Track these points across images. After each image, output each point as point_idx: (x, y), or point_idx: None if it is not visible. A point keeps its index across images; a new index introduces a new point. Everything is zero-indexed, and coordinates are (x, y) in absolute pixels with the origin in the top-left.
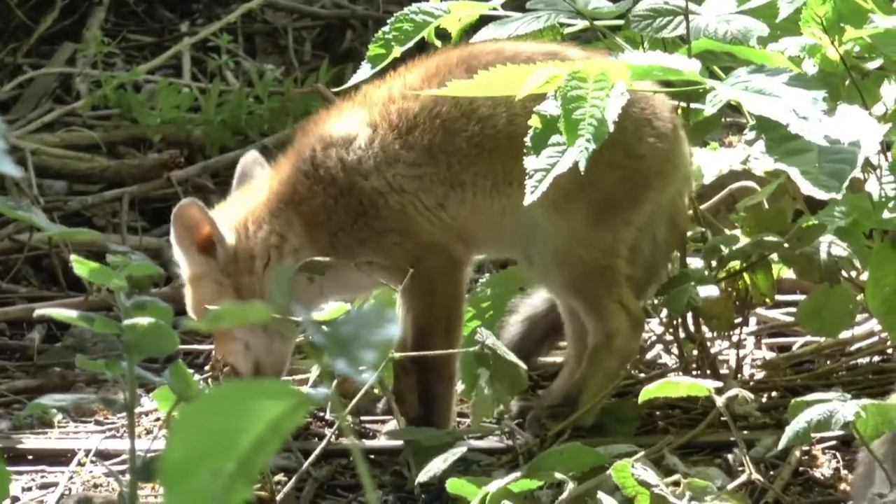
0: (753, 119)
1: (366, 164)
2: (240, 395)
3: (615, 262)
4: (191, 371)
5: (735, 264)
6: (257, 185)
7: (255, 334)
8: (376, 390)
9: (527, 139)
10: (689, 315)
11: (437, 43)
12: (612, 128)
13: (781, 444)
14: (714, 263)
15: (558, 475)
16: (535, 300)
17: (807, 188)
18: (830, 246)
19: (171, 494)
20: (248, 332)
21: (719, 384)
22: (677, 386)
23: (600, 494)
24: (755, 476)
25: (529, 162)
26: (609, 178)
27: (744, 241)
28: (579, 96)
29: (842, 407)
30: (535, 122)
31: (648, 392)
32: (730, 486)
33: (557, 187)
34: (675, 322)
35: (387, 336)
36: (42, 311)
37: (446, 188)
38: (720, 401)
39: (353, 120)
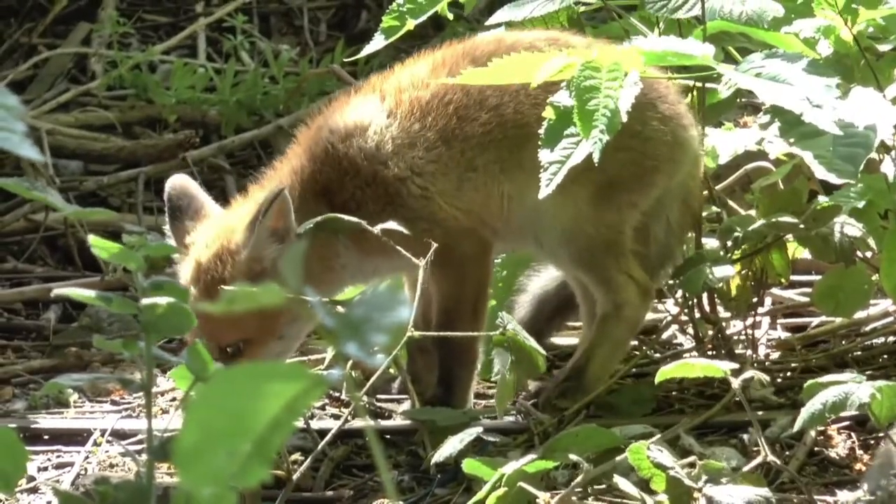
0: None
1: (384, 150)
2: (255, 376)
3: (620, 237)
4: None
5: (750, 244)
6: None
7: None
8: (392, 370)
9: (540, 130)
10: (705, 295)
11: (450, 16)
12: (625, 118)
13: (797, 427)
14: (730, 244)
15: (574, 457)
16: (544, 279)
17: (821, 173)
18: (844, 226)
19: (187, 475)
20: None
21: (735, 366)
22: (693, 367)
23: (616, 477)
24: (770, 458)
25: (544, 155)
26: (614, 161)
27: (759, 221)
28: (593, 86)
29: (857, 389)
30: (548, 113)
31: (665, 373)
32: (745, 468)
33: None
34: (690, 303)
35: (399, 318)
36: (59, 290)
37: (461, 172)
38: (736, 383)
39: (367, 107)
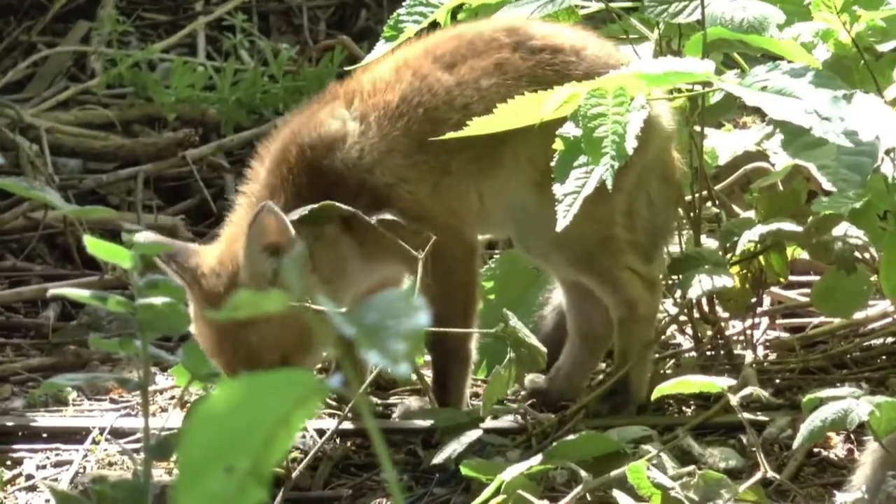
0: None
1: (367, 160)
2: (255, 387)
3: (614, 230)
4: None
5: (749, 246)
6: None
7: None
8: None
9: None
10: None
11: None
12: (635, 144)
13: (796, 444)
14: (728, 245)
15: (573, 465)
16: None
17: (827, 184)
18: (846, 234)
19: (184, 497)
20: None
21: (733, 382)
22: (692, 384)
23: (615, 492)
24: (770, 473)
25: (557, 188)
26: None
27: (759, 226)
28: (600, 113)
29: (856, 405)
30: (558, 145)
31: (662, 390)
32: (743, 487)
33: (535, 167)
34: (689, 302)
35: (416, 324)
36: (56, 290)
37: (437, 176)
38: (735, 399)
39: (337, 116)
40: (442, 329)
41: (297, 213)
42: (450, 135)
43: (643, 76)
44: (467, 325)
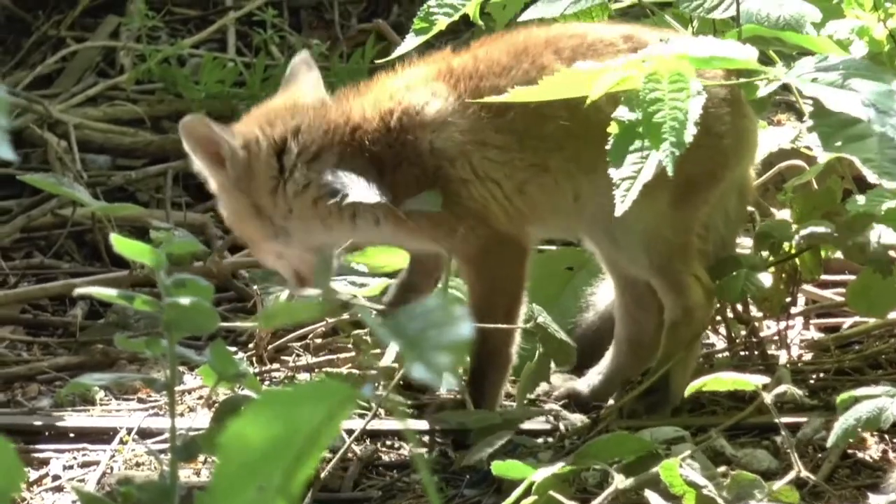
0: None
1: (455, 150)
2: (286, 401)
3: (691, 237)
4: (233, 349)
5: (785, 247)
6: (308, 100)
7: (281, 245)
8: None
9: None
10: None
11: (481, 23)
12: (694, 130)
13: (830, 442)
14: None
15: (605, 466)
16: (607, 293)
17: (871, 176)
18: (881, 235)
19: None
20: (275, 244)
21: (767, 380)
22: (725, 382)
23: (647, 492)
24: (804, 473)
25: (614, 172)
26: (692, 159)
27: (794, 228)
28: (657, 98)
29: (891, 404)
30: (612, 129)
31: (695, 387)
32: (777, 485)
33: None
34: (723, 302)
35: (459, 335)
36: (81, 289)
37: (530, 174)
38: (769, 398)
39: (443, 97)
40: (482, 325)
41: (327, 168)
42: (487, 99)
43: (687, 58)
44: (509, 330)
